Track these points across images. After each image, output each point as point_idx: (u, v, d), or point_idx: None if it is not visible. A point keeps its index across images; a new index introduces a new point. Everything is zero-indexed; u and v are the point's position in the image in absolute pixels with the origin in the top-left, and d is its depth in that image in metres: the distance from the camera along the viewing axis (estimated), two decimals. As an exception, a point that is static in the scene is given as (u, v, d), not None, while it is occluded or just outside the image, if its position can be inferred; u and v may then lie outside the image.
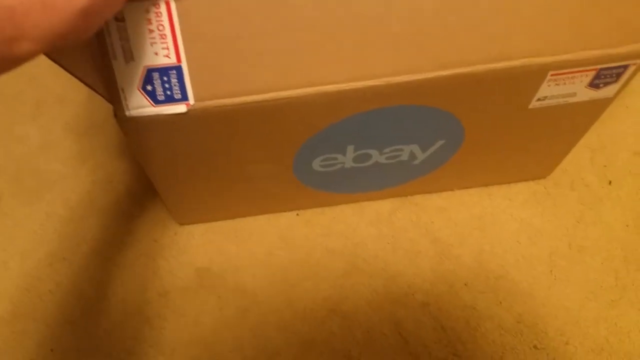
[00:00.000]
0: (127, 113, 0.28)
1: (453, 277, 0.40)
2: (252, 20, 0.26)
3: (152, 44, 0.26)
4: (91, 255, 0.41)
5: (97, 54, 0.26)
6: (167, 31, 0.26)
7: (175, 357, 0.37)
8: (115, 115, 0.28)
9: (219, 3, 0.26)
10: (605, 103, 0.34)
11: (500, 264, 0.41)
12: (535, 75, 0.30)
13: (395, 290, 0.39)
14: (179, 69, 0.27)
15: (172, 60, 0.27)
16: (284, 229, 0.43)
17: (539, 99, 0.32)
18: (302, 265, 0.41)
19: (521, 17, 0.27)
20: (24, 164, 0.47)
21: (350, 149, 0.34)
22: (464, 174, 0.41)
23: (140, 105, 0.28)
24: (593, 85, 0.32)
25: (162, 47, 0.26)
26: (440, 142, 0.35)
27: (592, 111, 0.35)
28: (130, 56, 0.26)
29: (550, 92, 0.32)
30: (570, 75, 0.30)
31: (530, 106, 0.33)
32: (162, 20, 0.26)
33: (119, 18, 0.25)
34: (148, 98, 0.27)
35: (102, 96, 0.27)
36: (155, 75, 0.27)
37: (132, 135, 0.30)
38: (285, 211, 0.43)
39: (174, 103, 0.28)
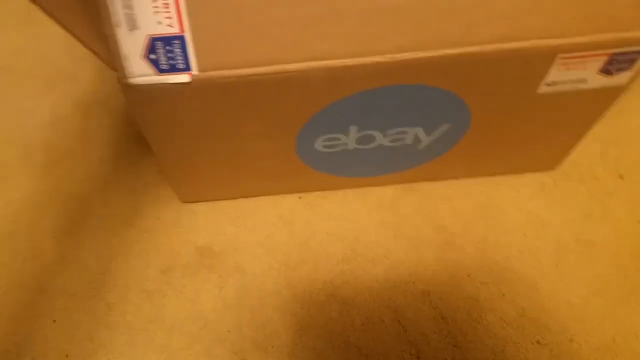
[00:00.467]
0: (131, 80, 0.28)
1: (456, 266, 0.39)
2: (256, -9, 0.26)
3: (155, 12, 0.26)
4: (95, 229, 0.42)
5: (102, 21, 0.26)
6: (171, 0, 0.26)
7: (174, 334, 0.37)
8: (119, 82, 0.28)
9: (224, -27, 0.26)
10: (617, 91, 0.33)
11: (504, 255, 0.40)
12: (543, 58, 0.29)
13: (395, 278, 0.39)
14: (182, 39, 0.27)
15: (175, 30, 0.27)
16: (286, 212, 0.43)
17: (547, 84, 0.31)
18: (303, 248, 0.41)
19: (530, -5, 0.27)
20: (35, 138, 0.48)
21: (353, 129, 0.34)
22: (470, 162, 0.41)
23: (144, 74, 0.28)
24: (605, 71, 0.31)
25: (165, 17, 0.26)
26: (445, 126, 0.35)
27: (603, 99, 0.34)
28: (133, 25, 0.26)
29: (559, 76, 0.31)
30: (580, 60, 0.30)
31: (539, 91, 0.32)
32: (166, -12, 0.26)
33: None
34: (152, 66, 0.28)
35: (107, 64, 0.27)
36: (159, 44, 0.27)
37: (136, 104, 0.30)
38: (287, 193, 0.43)
39: (177, 73, 0.28)
